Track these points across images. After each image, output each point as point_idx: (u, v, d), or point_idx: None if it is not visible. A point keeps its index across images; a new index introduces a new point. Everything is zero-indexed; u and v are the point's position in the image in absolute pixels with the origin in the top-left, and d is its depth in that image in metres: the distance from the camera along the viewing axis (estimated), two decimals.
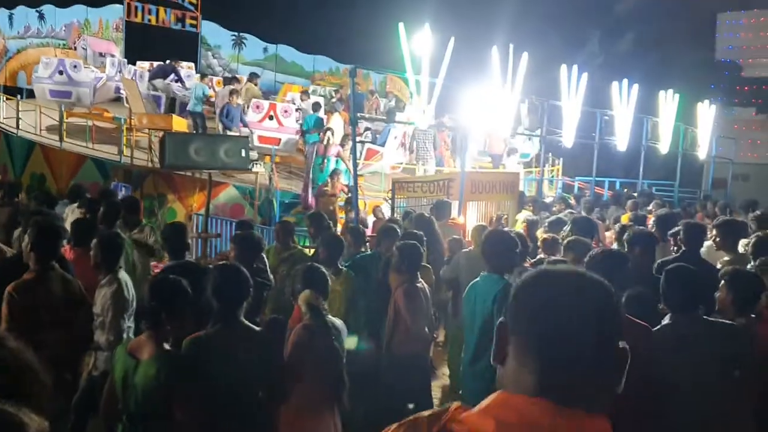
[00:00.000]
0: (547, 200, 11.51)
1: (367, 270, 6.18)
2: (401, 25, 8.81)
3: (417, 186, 10.48)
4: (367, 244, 7.48)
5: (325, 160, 12.28)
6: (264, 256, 6.28)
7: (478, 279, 4.69)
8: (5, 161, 15.34)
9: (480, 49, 10.30)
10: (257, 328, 3.09)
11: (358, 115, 15.26)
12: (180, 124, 13.47)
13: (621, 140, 13.21)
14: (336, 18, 26.05)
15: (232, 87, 14.61)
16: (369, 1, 24.13)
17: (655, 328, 3.07)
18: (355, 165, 9.09)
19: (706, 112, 16.29)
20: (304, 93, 17.31)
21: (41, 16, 21.55)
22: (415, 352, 5.27)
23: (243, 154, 12.38)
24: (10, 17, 20.07)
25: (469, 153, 11.29)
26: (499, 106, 10.35)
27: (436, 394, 6.28)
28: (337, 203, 11.14)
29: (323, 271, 3.64)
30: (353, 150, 9.31)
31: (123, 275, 4.68)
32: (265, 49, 27.89)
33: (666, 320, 3.11)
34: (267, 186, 13.32)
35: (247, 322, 3.07)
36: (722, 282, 3.65)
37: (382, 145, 14.77)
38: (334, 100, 17.28)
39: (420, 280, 5.42)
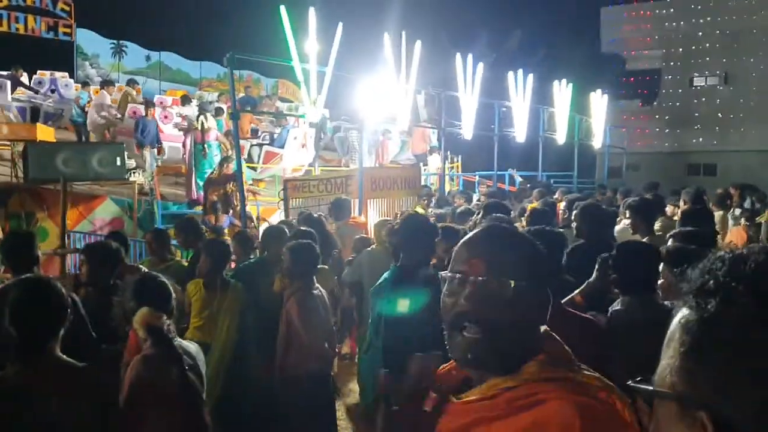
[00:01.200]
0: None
1: (254, 279, 5.37)
2: (283, 9, 8.03)
3: (312, 185, 9.70)
4: (256, 251, 6.65)
5: (206, 146, 11.30)
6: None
7: (383, 279, 3.98)
8: None
9: (370, 36, 9.67)
10: (78, 365, 2.22)
11: (251, 112, 14.38)
12: (46, 133, 12.08)
13: (519, 131, 12.94)
14: (218, 20, 24.96)
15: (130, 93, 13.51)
16: None
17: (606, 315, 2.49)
18: (239, 163, 8.20)
19: (599, 102, 16.42)
20: (184, 98, 16.19)
21: None
22: (313, 371, 4.49)
23: (118, 162, 11.22)
24: None
25: (365, 147, 10.61)
26: (395, 97, 9.74)
27: (341, 414, 5.52)
28: (231, 189, 10.16)
29: (162, 281, 2.80)
30: (236, 147, 8.43)
31: None
32: (148, 57, 26.31)
33: (617, 305, 2.53)
34: (148, 196, 12.16)
35: (63, 358, 2.21)
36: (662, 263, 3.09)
37: (282, 146, 13.91)
38: (217, 103, 16.30)
39: (316, 285, 4.65)
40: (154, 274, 2.89)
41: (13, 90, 15.77)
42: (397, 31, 9.66)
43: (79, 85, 19.57)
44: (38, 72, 19.18)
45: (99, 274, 4.30)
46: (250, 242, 6.35)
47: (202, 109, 14.31)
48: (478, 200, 9.73)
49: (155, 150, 13.38)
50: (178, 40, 26.29)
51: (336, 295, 6.00)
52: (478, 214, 5.93)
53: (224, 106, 14.60)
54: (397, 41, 9.69)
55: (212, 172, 10.39)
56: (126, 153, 12.04)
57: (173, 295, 2.69)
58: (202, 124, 10.97)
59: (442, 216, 7.73)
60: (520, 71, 12.95)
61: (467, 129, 11.39)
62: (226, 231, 10.21)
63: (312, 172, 13.34)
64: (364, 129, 9.88)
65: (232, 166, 10.23)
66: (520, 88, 12.92)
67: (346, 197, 8.09)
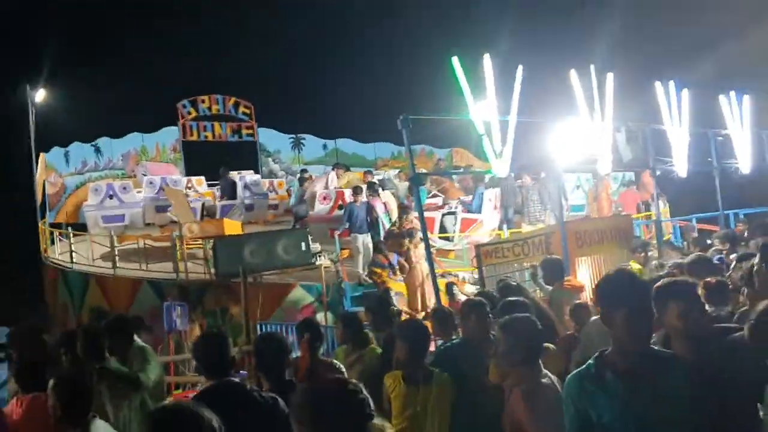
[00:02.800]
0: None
1: (460, 366, 4.33)
2: (455, 60, 7.22)
3: (507, 249, 8.59)
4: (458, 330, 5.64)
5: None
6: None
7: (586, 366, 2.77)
8: (65, 300, 14.41)
9: (554, 75, 8.57)
10: None
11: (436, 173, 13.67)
12: (233, 227, 12.16)
13: (743, 162, 10.98)
14: (390, 98, 25.23)
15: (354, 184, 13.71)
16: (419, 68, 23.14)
17: None
18: (425, 230, 7.32)
19: None
20: (368, 173, 16.02)
21: (97, 150, 21.33)
22: None
23: (303, 247, 10.92)
24: (66, 155, 19.84)
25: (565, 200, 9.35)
26: (592, 139, 8.49)
27: None
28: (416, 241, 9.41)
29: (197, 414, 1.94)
30: (420, 216, 7.60)
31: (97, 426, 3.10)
32: (325, 146, 27.17)
33: None
34: (335, 279, 11.68)
35: None
36: None
37: (479, 210, 13.01)
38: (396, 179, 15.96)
39: (545, 372, 3.50)
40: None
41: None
42: (584, 66, 8.50)
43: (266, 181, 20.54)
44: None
45: (266, 367, 3.59)
46: (450, 319, 5.35)
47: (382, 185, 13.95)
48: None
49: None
50: (351, 125, 27.00)
51: None
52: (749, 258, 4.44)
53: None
54: (585, 77, 8.51)
55: (393, 225, 9.76)
56: (311, 237, 11.82)
57: None
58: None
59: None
60: (733, 93, 11.11)
61: (680, 165, 9.75)
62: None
63: (501, 236, 12.25)
64: (556, 176, 8.66)
65: (412, 218, 9.48)
66: (736, 112, 11.04)
67: (557, 256, 6.88)
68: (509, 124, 7.52)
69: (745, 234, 8.40)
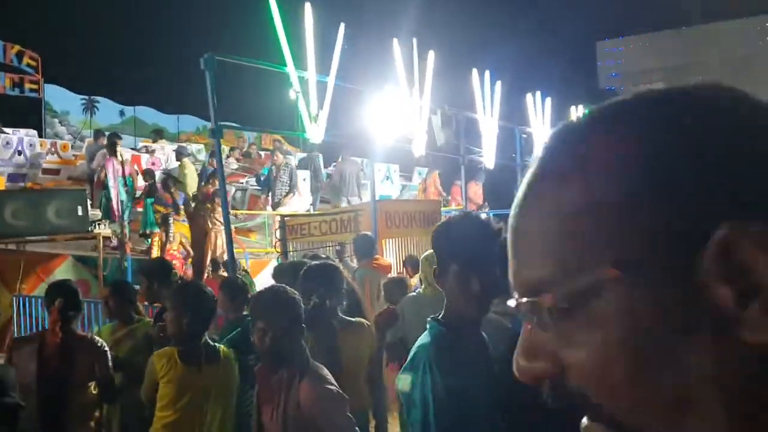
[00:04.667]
0: None
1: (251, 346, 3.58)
2: (273, 2, 6.42)
3: (313, 226, 7.96)
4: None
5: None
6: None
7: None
8: None
9: (376, 41, 8.08)
10: None
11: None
12: None
13: None
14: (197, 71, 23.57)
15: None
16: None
17: None
18: (224, 195, 6.46)
19: None
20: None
21: None
22: None
23: (80, 212, 9.50)
24: None
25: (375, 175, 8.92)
26: (409, 116, 8.11)
27: None
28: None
29: None
30: (220, 173, 6.71)
31: None
32: (122, 113, 24.83)
33: None
34: (117, 252, 10.30)
35: None
36: None
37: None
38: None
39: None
40: None
41: None
42: (408, 38, 8.11)
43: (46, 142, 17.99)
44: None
45: None
46: (243, 291, 4.56)
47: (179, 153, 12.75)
48: None
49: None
50: (153, 93, 24.90)
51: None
52: None
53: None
54: (407, 50, 8.13)
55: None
56: (90, 202, 10.33)
57: None
58: None
59: None
60: (538, 93, 11.45)
61: (489, 156, 9.76)
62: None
63: None
64: (373, 155, 8.19)
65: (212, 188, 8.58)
66: (539, 112, 11.40)
67: (369, 233, 6.35)
68: (328, 86, 6.88)
69: None
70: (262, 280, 8.36)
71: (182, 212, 9.84)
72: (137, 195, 10.92)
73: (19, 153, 16.49)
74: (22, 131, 18.86)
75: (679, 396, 0.42)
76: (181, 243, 9.77)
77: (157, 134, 16.92)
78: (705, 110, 0.45)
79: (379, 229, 7.56)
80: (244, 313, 4.47)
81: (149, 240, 9.95)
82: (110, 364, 3.89)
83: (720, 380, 0.41)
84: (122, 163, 10.20)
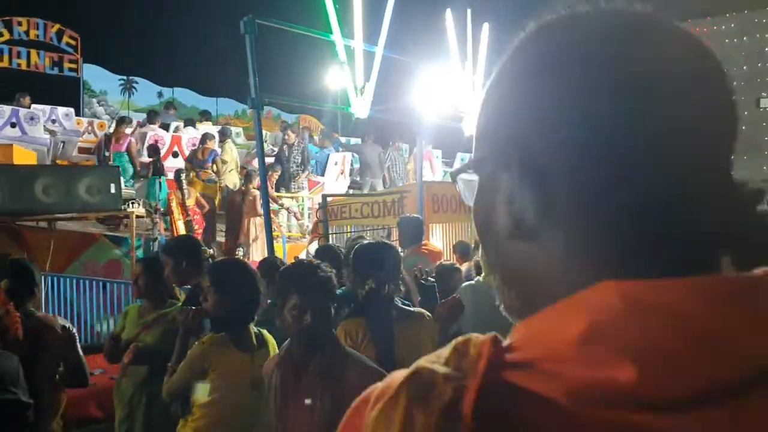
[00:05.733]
0: None
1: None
2: None
3: (354, 208, 7.44)
4: None
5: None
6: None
7: None
8: None
9: (428, 11, 7.50)
10: None
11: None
12: (25, 156, 9.98)
13: None
14: (238, 56, 23.23)
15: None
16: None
17: None
18: (264, 175, 5.96)
19: None
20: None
21: None
22: None
23: (112, 190, 9.13)
24: None
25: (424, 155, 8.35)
26: (460, 93, 7.53)
27: None
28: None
29: None
30: (259, 151, 6.22)
31: None
32: (160, 94, 24.66)
33: None
34: (149, 233, 9.93)
35: None
36: None
37: (322, 174, 11.77)
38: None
39: None
40: None
41: None
42: (461, 8, 7.51)
43: (83, 120, 17.80)
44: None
45: None
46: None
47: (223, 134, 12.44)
48: None
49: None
50: (192, 75, 24.66)
51: None
52: None
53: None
54: (461, 21, 7.53)
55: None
56: (123, 179, 9.96)
57: None
58: None
59: None
60: None
61: None
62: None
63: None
64: (420, 134, 7.63)
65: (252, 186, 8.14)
66: None
67: (417, 215, 5.81)
68: (375, 57, 6.34)
69: None
70: None
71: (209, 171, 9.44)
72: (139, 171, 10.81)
73: (54, 121, 16.30)
74: (60, 108, 18.69)
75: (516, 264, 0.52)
76: (197, 199, 9.50)
77: (203, 116, 16.75)
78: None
79: (425, 213, 7.01)
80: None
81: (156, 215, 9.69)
82: (78, 344, 3.57)
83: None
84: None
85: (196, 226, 9.44)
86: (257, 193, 8.86)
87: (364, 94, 6.26)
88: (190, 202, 9.29)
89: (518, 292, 0.53)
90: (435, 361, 0.45)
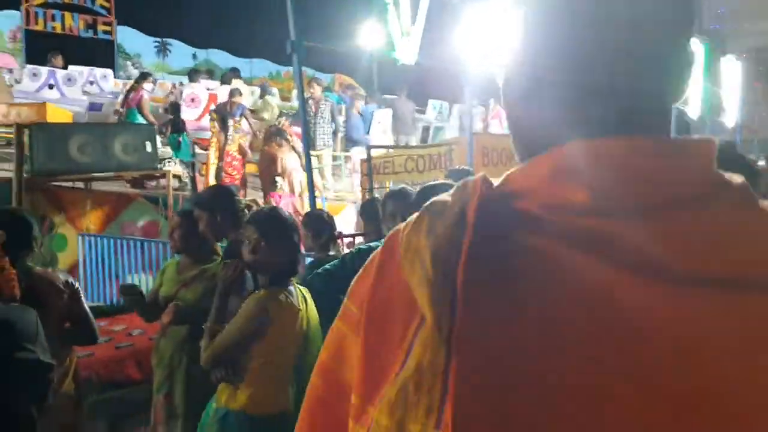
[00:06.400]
0: None
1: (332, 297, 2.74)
2: None
3: (398, 163, 7.05)
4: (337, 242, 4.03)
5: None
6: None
7: None
8: None
9: None
10: None
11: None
12: (59, 114, 9.76)
13: None
14: (272, 15, 22.80)
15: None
16: None
17: None
18: (307, 146, 5.59)
19: (733, 69, 13.24)
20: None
21: None
22: None
23: (149, 148, 8.86)
24: None
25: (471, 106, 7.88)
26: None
27: None
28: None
29: None
30: (301, 109, 5.84)
31: None
32: (195, 56, 24.42)
33: None
34: (186, 193, 9.68)
35: None
36: None
37: (367, 132, 11.37)
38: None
39: None
40: None
41: None
42: None
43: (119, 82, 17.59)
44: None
45: None
46: (329, 229, 3.71)
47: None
48: None
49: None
50: (227, 36, 24.29)
51: None
52: None
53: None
54: None
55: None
56: (160, 138, 9.68)
57: None
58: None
59: None
60: None
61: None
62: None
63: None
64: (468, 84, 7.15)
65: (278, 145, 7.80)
66: None
67: (466, 167, 5.40)
68: None
69: None
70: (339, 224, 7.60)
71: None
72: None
73: (91, 83, 16.14)
74: (97, 70, 18.53)
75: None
76: (239, 145, 9.25)
77: (233, 73, 16.48)
78: None
79: (475, 167, 6.59)
80: (331, 253, 3.64)
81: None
82: (83, 299, 3.27)
83: None
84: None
85: (233, 171, 9.19)
86: (286, 149, 8.53)
87: (411, 36, 5.81)
88: (231, 147, 9.02)
89: (520, 148, 0.70)
90: (444, 196, 0.64)
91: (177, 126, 9.96)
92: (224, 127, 9.14)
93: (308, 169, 5.39)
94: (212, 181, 8.99)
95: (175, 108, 10.45)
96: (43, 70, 14.27)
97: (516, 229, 0.60)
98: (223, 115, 9.60)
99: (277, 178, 8.40)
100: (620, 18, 0.61)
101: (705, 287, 0.54)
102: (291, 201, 8.29)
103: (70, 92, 14.56)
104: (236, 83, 14.45)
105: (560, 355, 0.54)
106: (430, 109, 14.76)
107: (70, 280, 3.24)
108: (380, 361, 0.62)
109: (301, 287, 2.79)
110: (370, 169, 6.18)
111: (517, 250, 0.59)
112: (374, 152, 7.73)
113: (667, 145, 0.61)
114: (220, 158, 9.11)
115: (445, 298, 0.56)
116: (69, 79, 15.40)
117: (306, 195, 8.78)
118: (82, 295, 3.25)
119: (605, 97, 0.62)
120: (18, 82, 13.75)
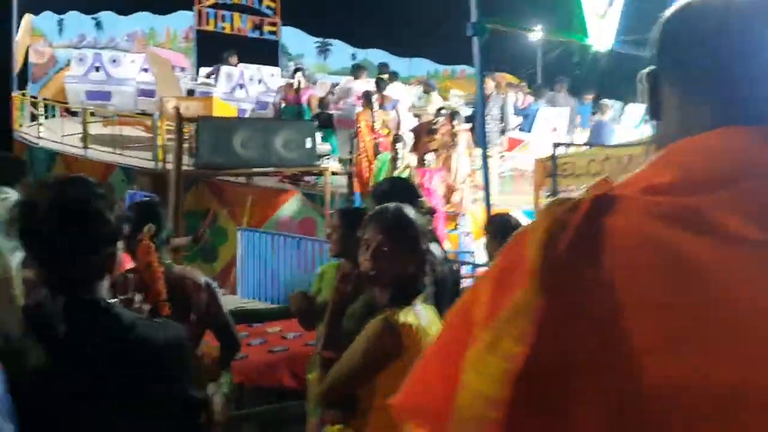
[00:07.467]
0: None
1: None
2: None
3: (579, 165, 6.23)
4: None
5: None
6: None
7: None
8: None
9: None
10: None
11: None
12: (225, 109, 9.85)
13: None
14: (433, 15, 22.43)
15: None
16: None
17: None
18: (484, 147, 4.97)
19: None
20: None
21: (98, 24, 18.93)
22: None
23: (308, 144, 8.69)
24: (60, 23, 17.52)
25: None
26: None
27: None
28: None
29: None
30: (479, 110, 5.23)
31: None
32: (354, 56, 24.59)
33: None
34: (344, 190, 9.41)
35: None
36: None
37: (529, 130, 10.54)
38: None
39: None
40: None
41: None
42: None
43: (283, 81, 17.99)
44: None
45: None
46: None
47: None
48: None
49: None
50: (386, 36, 24.26)
51: None
52: None
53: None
54: None
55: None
56: (318, 135, 9.50)
57: None
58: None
59: None
60: None
61: None
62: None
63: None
64: None
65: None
66: None
67: None
68: None
69: None
70: None
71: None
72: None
73: (260, 81, 16.51)
74: (264, 68, 18.97)
75: None
76: (384, 122, 8.90)
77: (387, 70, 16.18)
78: None
79: None
80: None
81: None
82: (221, 302, 2.87)
83: None
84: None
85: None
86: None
87: (606, 18, 5.03)
88: (377, 125, 8.68)
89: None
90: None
91: (323, 121, 9.78)
92: (369, 104, 8.86)
93: (484, 168, 4.77)
94: (373, 168, 8.67)
95: (323, 104, 10.29)
96: (235, 71, 14.74)
97: (610, 212, 0.74)
98: (368, 97, 9.30)
99: (428, 155, 8.06)
100: None
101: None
102: (440, 175, 7.83)
103: (251, 90, 15.09)
104: (395, 85, 14.16)
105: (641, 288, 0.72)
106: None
107: (209, 280, 2.85)
108: (498, 304, 0.77)
109: (432, 307, 2.19)
110: (555, 169, 5.44)
111: (607, 226, 0.74)
112: (543, 153, 6.97)
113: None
114: (373, 134, 8.81)
115: (548, 255, 0.72)
116: (251, 79, 15.88)
117: (466, 187, 8.23)
118: (220, 297, 2.86)
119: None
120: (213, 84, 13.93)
